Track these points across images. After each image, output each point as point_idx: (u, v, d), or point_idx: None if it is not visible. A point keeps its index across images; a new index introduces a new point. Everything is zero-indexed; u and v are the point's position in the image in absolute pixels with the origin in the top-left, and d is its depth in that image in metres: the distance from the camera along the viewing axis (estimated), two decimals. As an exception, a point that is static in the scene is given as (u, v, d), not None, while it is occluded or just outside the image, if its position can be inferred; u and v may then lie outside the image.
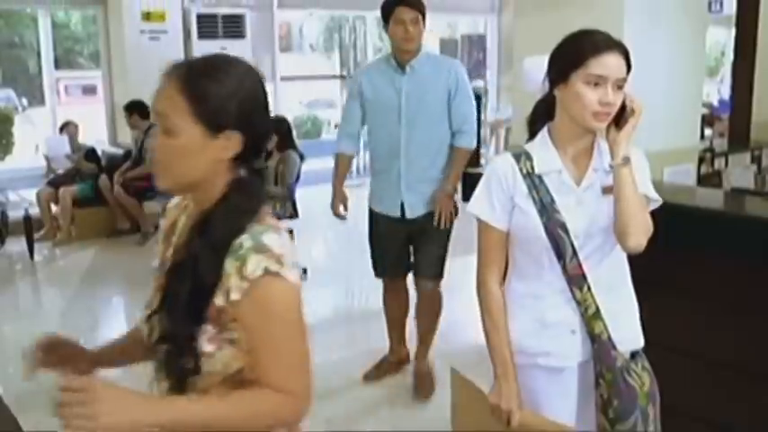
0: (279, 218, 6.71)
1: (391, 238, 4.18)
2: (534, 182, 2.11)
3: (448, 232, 4.10)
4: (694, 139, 3.91)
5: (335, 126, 12.47)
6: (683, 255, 3.12)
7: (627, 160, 2.03)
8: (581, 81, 2.01)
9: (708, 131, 7.25)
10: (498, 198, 2.16)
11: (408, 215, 4.06)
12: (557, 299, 2.15)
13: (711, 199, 3.65)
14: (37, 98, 10.90)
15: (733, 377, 3.06)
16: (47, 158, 8.35)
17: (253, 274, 1.47)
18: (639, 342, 2.25)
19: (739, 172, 4.21)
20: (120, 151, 8.58)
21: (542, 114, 2.20)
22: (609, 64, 2.00)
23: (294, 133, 7.02)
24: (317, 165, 7.86)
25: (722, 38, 12.14)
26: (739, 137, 4.90)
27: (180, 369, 1.54)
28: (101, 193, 8.09)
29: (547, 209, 2.09)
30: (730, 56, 5.35)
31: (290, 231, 6.71)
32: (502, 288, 2.24)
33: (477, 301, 2.25)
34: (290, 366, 1.55)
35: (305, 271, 6.77)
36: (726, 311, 3.12)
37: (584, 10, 3.45)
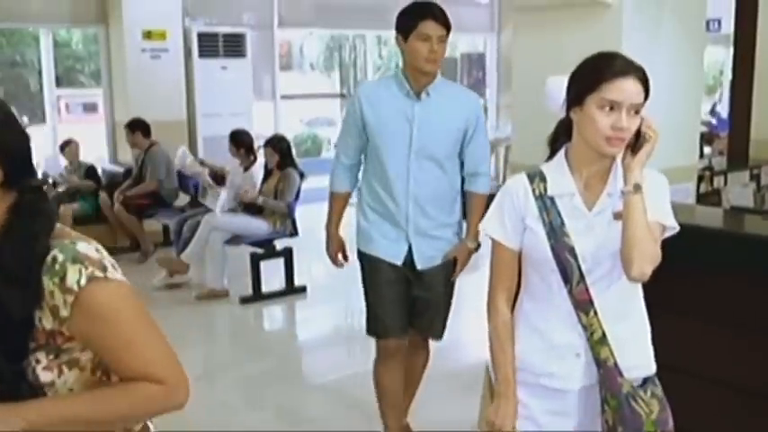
0: (279, 235, 6.75)
1: (394, 290, 3.52)
2: (546, 204, 2.11)
3: (453, 284, 3.62)
4: (693, 158, 3.92)
5: (335, 144, 12.45)
6: (683, 274, 3.12)
7: (638, 187, 2.00)
8: (595, 105, 1.99)
9: (707, 149, 7.27)
10: (510, 218, 2.16)
11: (419, 266, 3.47)
12: (563, 322, 2.14)
13: (711, 218, 3.66)
14: (38, 116, 10.92)
15: (732, 395, 3.05)
16: (44, 177, 8.36)
17: (76, 285, 1.43)
18: (651, 368, 2.22)
19: (738, 190, 4.22)
20: (120, 169, 8.59)
21: (563, 134, 2.18)
22: (624, 89, 1.98)
23: (294, 151, 7.04)
24: (317, 183, 7.87)
25: (721, 57, 12.19)
26: (738, 155, 4.91)
27: None
28: (101, 211, 8.11)
29: (556, 232, 2.09)
30: (729, 74, 5.37)
31: (291, 249, 6.74)
32: (510, 308, 2.24)
33: (487, 319, 2.26)
34: (151, 357, 1.51)
35: (305, 289, 6.77)
36: (726, 330, 3.11)
37: (584, 29, 3.47)
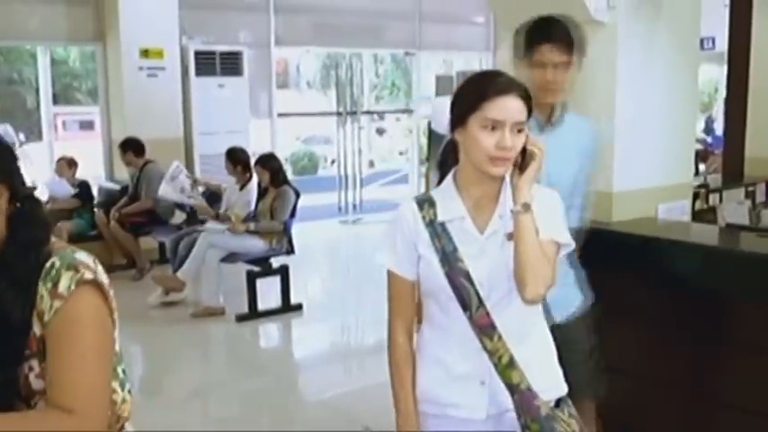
0: (275, 253, 6.75)
1: None
2: (437, 230, 2.04)
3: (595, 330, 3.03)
4: (689, 176, 3.93)
5: (332, 162, 12.50)
6: (679, 290, 3.13)
7: (527, 207, 1.94)
8: (477, 124, 1.93)
9: (702, 167, 7.29)
10: (402, 246, 2.08)
11: (558, 318, 2.81)
12: (466, 349, 2.05)
13: (706, 235, 3.66)
14: (35, 133, 10.94)
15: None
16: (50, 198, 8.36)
17: (67, 291, 1.47)
18: (562, 389, 2.16)
19: (733, 208, 4.23)
20: (117, 187, 8.59)
21: (451, 157, 2.11)
22: (506, 107, 1.92)
23: (291, 169, 7.05)
24: (313, 201, 7.91)
25: (715, 74, 12.25)
26: (733, 172, 4.93)
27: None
28: (97, 229, 8.11)
29: (449, 258, 2.01)
30: (723, 92, 5.40)
31: (287, 267, 6.74)
32: (410, 338, 2.16)
33: (387, 352, 2.17)
34: (76, 383, 1.49)
35: (301, 307, 6.76)
36: (726, 348, 3.12)
37: (578, 48, 3.48)
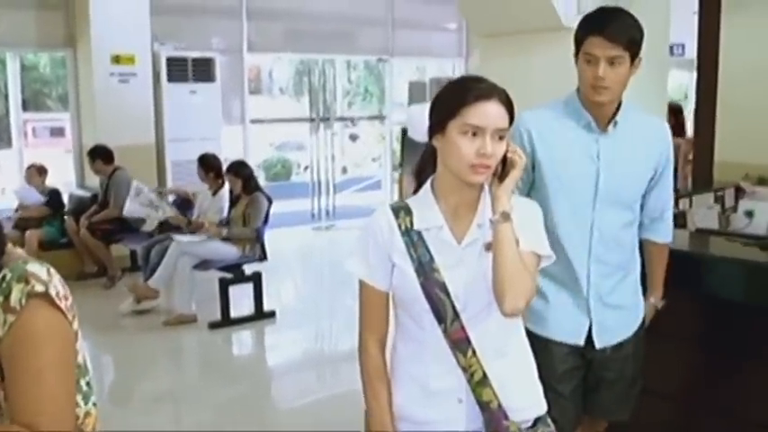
0: (248, 260, 6.72)
1: (569, 378, 2.72)
2: (413, 239, 1.96)
3: (643, 356, 2.84)
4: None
5: (305, 168, 12.48)
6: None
7: (506, 216, 1.87)
8: (457, 131, 1.86)
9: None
10: (375, 256, 2.00)
11: (598, 344, 2.67)
12: (441, 365, 1.97)
13: (678, 240, 3.69)
14: (4, 140, 10.83)
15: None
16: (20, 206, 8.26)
17: (19, 304, 1.42)
18: (541, 408, 2.08)
19: (703, 212, 4.26)
20: (87, 194, 8.52)
21: (429, 165, 2.04)
22: (487, 113, 1.85)
23: (264, 175, 7.04)
24: (286, 207, 7.88)
25: (685, 80, 12.38)
26: (702, 177, 4.97)
27: None
28: (68, 236, 8.03)
29: (424, 268, 1.93)
30: (693, 98, 5.45)
31: (259, 274, 6.71)
32: (382, 351, 2.08)
33: (359, 365, 2.09)
34: (37, 400, 1.44)
35: (274, 313, 6.73)
36: (695, 351, 3.15)
37: (548, 53, 3.51)
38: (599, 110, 2.57)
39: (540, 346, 2.58)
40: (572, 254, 2.61)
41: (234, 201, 6.90)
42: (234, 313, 6.55)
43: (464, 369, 1.94)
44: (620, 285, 2.68)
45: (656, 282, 2.88)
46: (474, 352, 1.93)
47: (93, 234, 7.84)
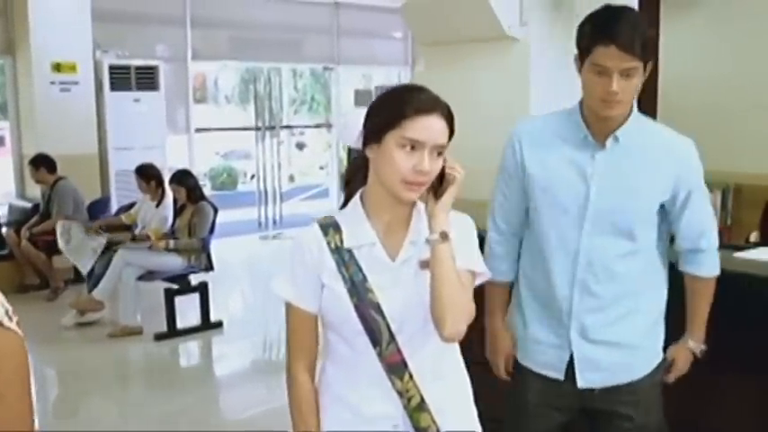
0: (194, 270, 6.65)
1: (542, 416, 2.48)
2: (344, 257, 1.83)
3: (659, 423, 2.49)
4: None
5: (252, 177, 12.40)
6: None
7: (445, 236, 1.76)
8: (395, 143, 1.74)
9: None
10: (303, 276, 1.87)
11: (581, 382, 2.39)
12: (375, 390, 1.86)
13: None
14: (-60, 150, 10.58)
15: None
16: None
17: None
18: None
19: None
20: (28, 205, 8.35)
21: (359, 175, 1.91)
22: (428, 127, 1.74)
23: (210, 184, 6.98)
24: (232, 216, 7.83)
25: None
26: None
27: None
28: (8, 248, 7.86)
29: (358, 288, 1.81)
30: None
31: (206, 284, 6.65)
32: (312, 376, 1.97)
33: (287, 391, 1.97)
34: (4, 422, 1.39)
35: (221, 324, 6.68)
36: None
37: (492, 63, 3.56)
38: (603, 124, 2.29)
39: (523, 376, 2.50)
40: (556, 279, 2.38)
41: (179, 211, 6.84)
42: (180, 324, 6.48)
43: (400, 394, 1.84)
44: (619, 322, 2.36)
45: (695, 322, 2.50)
46: (411, 376, 1.84)
47: (34, 245, 7.68)
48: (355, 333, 1.84)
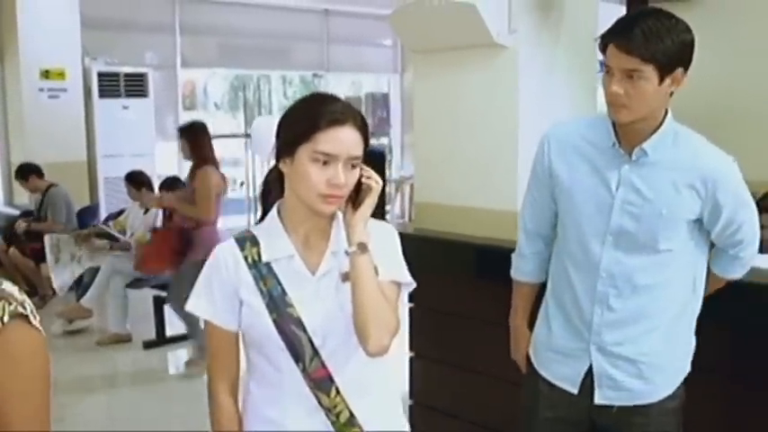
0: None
1: (552, 428, 2.43)
2: (261, 271, 1.78)
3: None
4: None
5: (241, 184, 12.37)
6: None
7: (363, 247, 1.73)
8: (307, 157, 1.70)
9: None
10: (220, 293, 1.81)
11: (598, 398, 2.30)
12: (300, 408, 1.81)
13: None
14: (-73, 158, 10.52)
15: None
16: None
17: (0, 322, 1.39)
18: None
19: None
20: (16, 212, 8.31)
21: (275, 188, 1.87)
22: (340, 139, 1.69)
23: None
24: (222, 223, 7.78)
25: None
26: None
27: None
28: (-4, 255, 7.82)
29: (277, 303, 1.77)
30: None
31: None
32: (235, 396, 1.91)
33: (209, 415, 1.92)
34: (27, 420, 1.43)
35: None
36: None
37: (481, 70, 3.56)
38: (625, 131, 2.16)
39: (530, 380, 2.45)
40: (578, 291, 2.29)
41: (168, 218, 6.80)
42: (169, 332, 6.46)
43: (328, 410, 1.79)
44: (642, 338, 2.25)
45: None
46: (338, 391, 1.79)
47: (23, 253, 7.64)
48: (277, 349, 1.78)
